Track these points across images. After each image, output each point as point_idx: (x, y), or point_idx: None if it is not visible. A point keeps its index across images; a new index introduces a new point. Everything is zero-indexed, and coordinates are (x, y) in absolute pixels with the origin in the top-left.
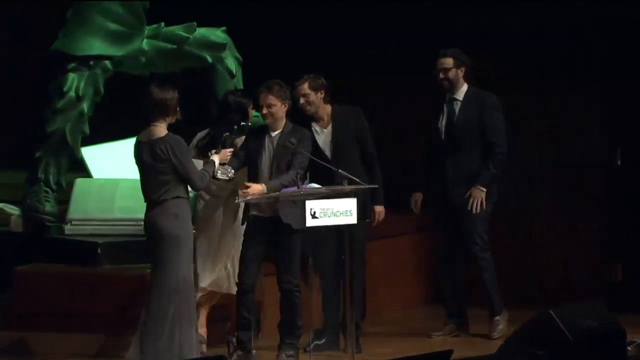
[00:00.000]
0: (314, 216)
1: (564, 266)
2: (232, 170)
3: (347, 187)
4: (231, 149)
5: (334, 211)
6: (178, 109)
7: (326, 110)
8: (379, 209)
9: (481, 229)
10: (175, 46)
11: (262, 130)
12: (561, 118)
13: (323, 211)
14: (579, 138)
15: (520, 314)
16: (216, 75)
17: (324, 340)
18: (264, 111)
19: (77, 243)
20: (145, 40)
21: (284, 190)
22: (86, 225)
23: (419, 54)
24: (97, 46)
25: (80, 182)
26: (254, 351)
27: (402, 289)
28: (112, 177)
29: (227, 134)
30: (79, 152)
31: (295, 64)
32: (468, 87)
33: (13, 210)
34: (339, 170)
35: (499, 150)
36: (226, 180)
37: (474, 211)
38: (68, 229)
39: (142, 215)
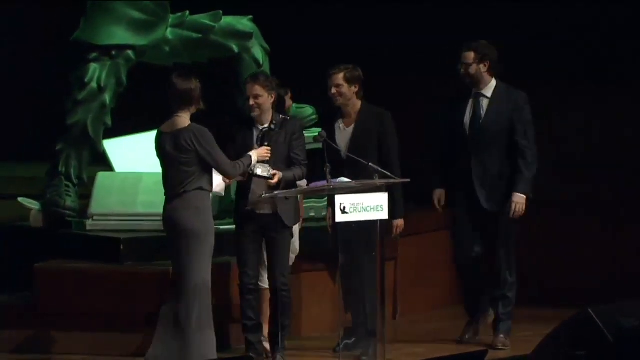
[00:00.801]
0: (343, 211)
1: (604, 264)
2: (270, 168)
3: (378, 181)
4: (269, 147)
5: (364, 206)
6: (201, 99)
7: (355, 106)
8: (398, 222)
9: (513, 237)
10: (200, 35)
11: (248, 124)
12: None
13: (353, 206)
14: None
15: (558, 313)
16: (243, 65)
17: (353, 339)
18: (251, 102)
19: (98, 239)
20: (169, 29)
21: (313, 184)
22: (108, 220)
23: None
24: (119, 35)
25: (102, 176)
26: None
27: (434, 287)
28: (135, 171)
29: (266, 128)
30: (101, 144)
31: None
32: (497, 83)
33: (33, 204)
34: (370, 164)
35: (530, 154)
36: (266, 177)
37: (513, 217)
38: (89, 224)
39: None
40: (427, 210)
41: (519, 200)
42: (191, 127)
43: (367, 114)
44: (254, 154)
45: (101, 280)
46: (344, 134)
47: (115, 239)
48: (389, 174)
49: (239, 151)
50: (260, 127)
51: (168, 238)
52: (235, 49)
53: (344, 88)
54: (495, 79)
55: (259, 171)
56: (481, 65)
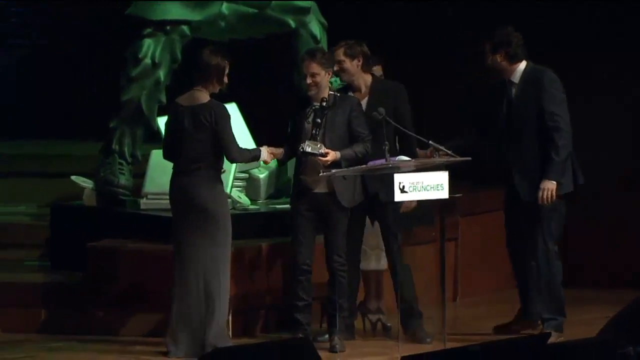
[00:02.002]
0: (403, 190)
1: None
2: (322, 145)
3: (438, 160)
4: (280, 152)
5: (424, 185)
6: (225, 79)
7: (364, 80)
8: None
9: (551, 226)
10: (256, 10)
11: (304, 102)
12: None
13: (413, 185)
14: None
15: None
16: (300, 40)
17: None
18: (308, 80)
19: (152, 218)
20: (225, 4)
21: (371, 162)
22: (162, 199)
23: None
24: (174, 10)
25: (156, 154)
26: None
27: (495, 268)
28: None
29: (317, 106)
30: (156, 122)
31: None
32: (525, 66)
33: (86, 183)
34: (430, 142)
35: (559, 136)
36: (316, 154)
37: (545, 204)
38: (143, 203)
39: None
40: (488, 190)
41: (548, 186)
42: (211, 103)
43: (380, 87)
44: (264, 150)
45: (155, 259)
46: None
47: (170, 218)
48: (450, 152)
49: (293, 131)
50: (317, 105)
51: (178, 214)
52: (292, 24)
53: (346, 63)
54: (527, 60)
55: (309, 148)
56: (497, 56)
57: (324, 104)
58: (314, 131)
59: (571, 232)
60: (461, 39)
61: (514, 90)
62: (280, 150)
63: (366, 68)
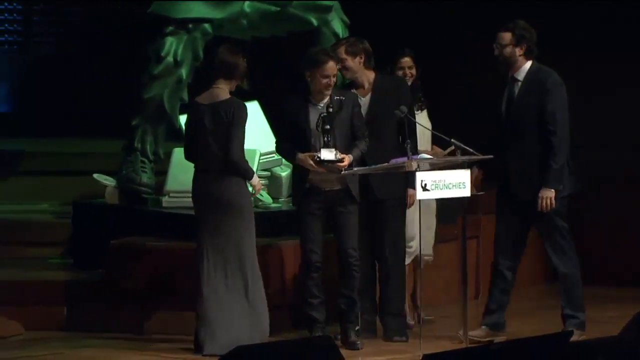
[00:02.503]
0: (424, 188)
1: None
2: (337, 151)
3: (461, 158)
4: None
5: (446, 183)
6: (244, 76)
7: (367, 76)
8: (413, 192)
9: (556, 228)
10: (278, 8)
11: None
12: None
13: (435, 183)
14: None
15: None
16: (322, 39)
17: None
18: (324, 81)
19: (174, 216)
20: (247, 3)
21: (393, 160)
22: (184, 197)
23: None
24: (196, 8)
25: (178, 152)
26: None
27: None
28: None
29: (324, 113)
30: (178, 120)
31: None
32: (531, 65)
33: (108, 181)
34: (452, 140)
35: (557, 142)
36: (334, 161)
37: (543, 210)
38: (165, 201)
39: None
40: None
41: (547, 194)
42: (231, 100)
43: (383, 83)
44: (256, 177)
45: (177, 257)
46: (361, 104)
47: (192, 216)
48: (471, 150)
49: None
50: (319, 109)
51: (203, 212)
52: (315, 22)
53: (348, 61)
54: (533, 61)
55: (328, 156)
56: (517, 49)
57: (331, 109)
58: (325, 138)
59: (593, 230)
60: (461, 39)
61: (516, 89)
62: (260, 187)
63: (368, 65)
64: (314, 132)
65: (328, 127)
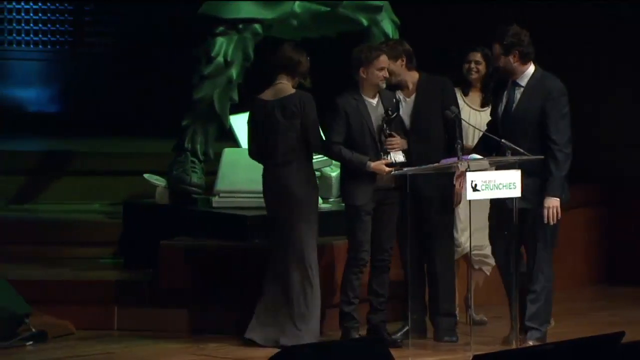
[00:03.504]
0: (475, 189)
1: None
2: (401, 152)
3: (511, 158)
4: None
5: (496, 184)
6: (307, 75)
7: (411, 77)
8: (459, 190)
9: (545, 237)
10: (328, 9)
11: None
12: None
13: (485, 184)
14: None
15: None
16: (372, 39)
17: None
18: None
19: (224, 216)
20: (297, 3)
21: (443, 160)
22: (234, 197)
23: None
24: (246, 9)
25: (228, 152)
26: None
27: (570, 266)
28: None
29: (385, 117)
30: (228, 120)
31: None
32: (534, 70)
33: (159, 181)
34: (502, 140)
35: (557, 150)
36: (404, 163)
37: (551, 222)
38: (215, 201)
39: None
40: None
41: (553, 204)
42: (298, 93)
43: (427, 83)
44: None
45: (227, 258)
46: (406, 105)
47: (242, 217)
48: (521, 150)
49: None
50: (374, 107)
51: (275, 207)
52: (365, 22)
53: (390, 66)
54: (534, 64)
55: (400, 158)
56: (510, 57)
57: (390, 112)
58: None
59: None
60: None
61: (518, 94)
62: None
63: (410, 65)
64: (374, 131)
65: (389, 131)
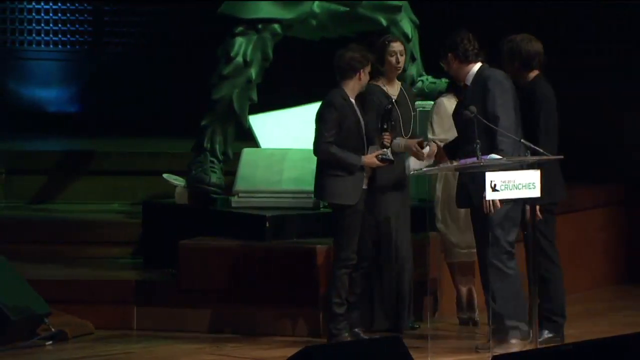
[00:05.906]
0: (494, 189)
1: None
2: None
3: (530, 158)
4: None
5: (515, 184)
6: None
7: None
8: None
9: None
10: (348, 9)
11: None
12: None
13: (504, 184)
14: None
15: None
16: None
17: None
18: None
19: (243, 216)
20: (316, 3)
21: (462, 160)
22: (253, 197)
23: None
24: (265, 9)
25: (247, 152)
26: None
27: (591, 267)
28: (281, 147)
29: (388, 107)
30: (247, 120)
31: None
32: (480, 67)
33: (178, 181)
34: (521, 140)
35: (499, 140)
36: (389, 162)
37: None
38: (235, 201)
39: (311, 187)
40: (583, 188)
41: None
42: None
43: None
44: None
45: (246, 258)
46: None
47: (261, 217)
48: (541, 150)
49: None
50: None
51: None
52: (384, 22)
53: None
54: (482, 63)
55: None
56: (449, 60)
57: (389, 107)
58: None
59: None
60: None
61: (466, 94)
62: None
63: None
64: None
65: (391, 123)
